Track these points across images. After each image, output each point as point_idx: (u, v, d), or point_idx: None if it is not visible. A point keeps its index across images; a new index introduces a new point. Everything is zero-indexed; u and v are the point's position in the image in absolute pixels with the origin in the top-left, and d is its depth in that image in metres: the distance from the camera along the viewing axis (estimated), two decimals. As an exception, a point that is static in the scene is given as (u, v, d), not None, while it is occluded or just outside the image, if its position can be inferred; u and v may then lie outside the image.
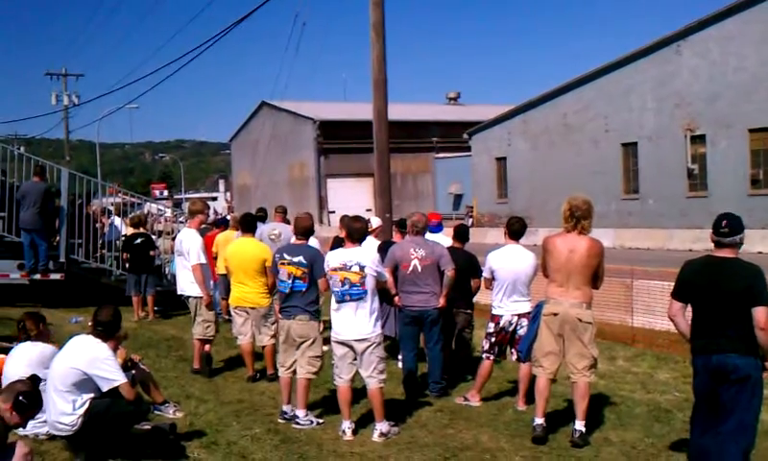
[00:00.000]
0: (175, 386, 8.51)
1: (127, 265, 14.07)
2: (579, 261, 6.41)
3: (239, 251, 8.84)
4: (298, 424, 7.05)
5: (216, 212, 43.85)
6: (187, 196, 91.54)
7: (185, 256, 9.11)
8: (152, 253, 14.09)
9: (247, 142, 63.09)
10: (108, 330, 6.15)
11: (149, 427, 6.39)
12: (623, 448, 6.47)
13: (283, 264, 7.19)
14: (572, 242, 6.47)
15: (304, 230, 7.44)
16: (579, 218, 6.45)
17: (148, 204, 24.57)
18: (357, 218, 7.12)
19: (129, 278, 14.01)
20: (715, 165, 28.64)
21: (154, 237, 16.01)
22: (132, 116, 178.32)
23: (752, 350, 5.04)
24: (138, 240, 14.01)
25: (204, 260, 9.18)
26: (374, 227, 10.35)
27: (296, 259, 7.15)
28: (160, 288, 14.62)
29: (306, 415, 7.12)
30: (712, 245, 5.36)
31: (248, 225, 9.20)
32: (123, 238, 15.52)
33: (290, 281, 7.14)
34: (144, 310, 13.92)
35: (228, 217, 18.71)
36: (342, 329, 6.69)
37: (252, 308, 8.66)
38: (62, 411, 5.83)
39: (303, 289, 7.12)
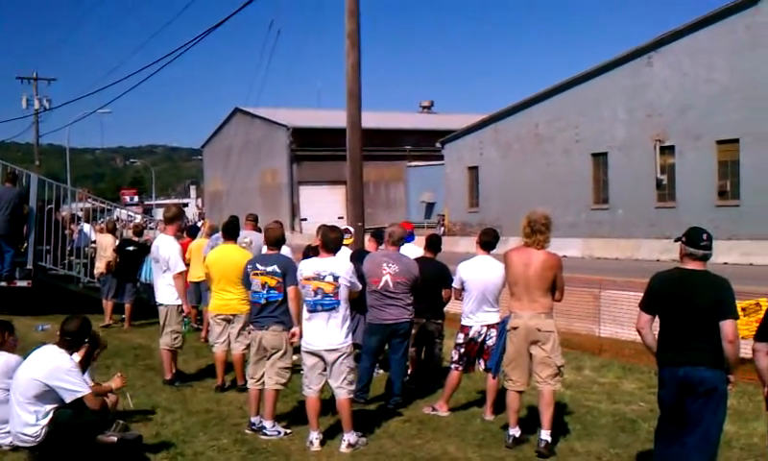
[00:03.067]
0: (142, 396, 8.44)
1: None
2: (534, 274, 6.53)
3: (221, 258, 8.77)
4: (265, 434, 7.03)
5: (187, 219, 43.52)
6: (158, 202, 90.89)
7: (161, 263, 9.04)
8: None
9: (219, 148, 62.81)
10: (74, 341, 6.11)
11: (115, 439, 6.33)
12: (588, 458, 6.55)
13: (256, 274, 7.17)
14: (528, 256, 6.59)
15: (275, 240, 7.43)
16: (537, 232, 6.57)
17: (117, 210, 24.30)
18: (333, 228, 7.11)
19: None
20: (684, 176, 29.03)
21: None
22: (104, 121, 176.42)
23: (719, 362, 5.11)
24: (131, 248, 13.95)
25: (184, 268, 9.14)
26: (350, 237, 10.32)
27: (269, 269, 7.12)
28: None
29: (273, 425, 7.10)
30: (679, 256, 5.40)
31: (230, 232, 9.12)
32: (93, 245, 15.38)
33: (264, 292, 7.12)
34: (112, 317, 13.82)
35: (199, 224, 18.65)
36: (313, 339, 6.69)
37: (234, 315, 8.63)
38: (26, 422, 5.78)
39: (279, 299, 7.09)
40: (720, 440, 5.36)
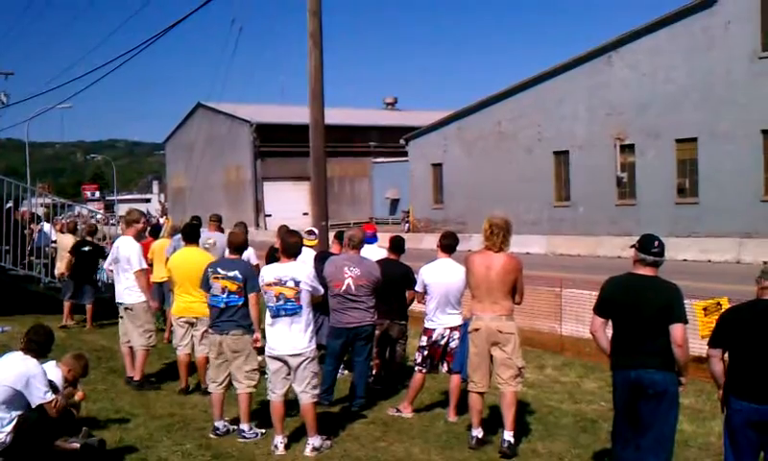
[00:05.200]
0: (104, 400, 8.40)
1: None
2: (496, 277, 6.64)
3: (184, 261, 8.74)
4: (244, 437, 7.05)
5: (150, 216, 43.11)
6: (120, 197, 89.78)
7: (122, 262, 9.02)
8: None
9: (182, 143, 62.24)
10: (40, 350, 6.13)
11: (78, 445, 6.29)
12: (550, 458, 6.67)
13: (217, 278, 7.18)
14: (490, 259, 6.69)
15: (238, 246, 7.46)
16: (497, 236, 6.69)
17: (78, 206, 24.01)
18: (292, 233, 7.16)
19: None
20: (644, 174, 29.45)
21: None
22: (64, 115, 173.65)
23: (669, 365, 5.26)
24: (86, 248, 13.75)
25: (145, 266, 9.12)
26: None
27: (231, 274, 7.15)
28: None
29: (251, 428, 7.13)
30: (632, 262, 5.54)
31: (191, 235, 9.09)
32: (53, 245, 15.19)
33: (224, 296, 7.14)
34: (72, 317, 13.70)
35: (162, 220, 18.49)
36: (276, 344, 6.71)
37: (197, 318, 8.61)
38: (-9, 428, 5.75)
39: (239, 304, 7.13)
40: (674, 441, 5.51)
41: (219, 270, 7.22)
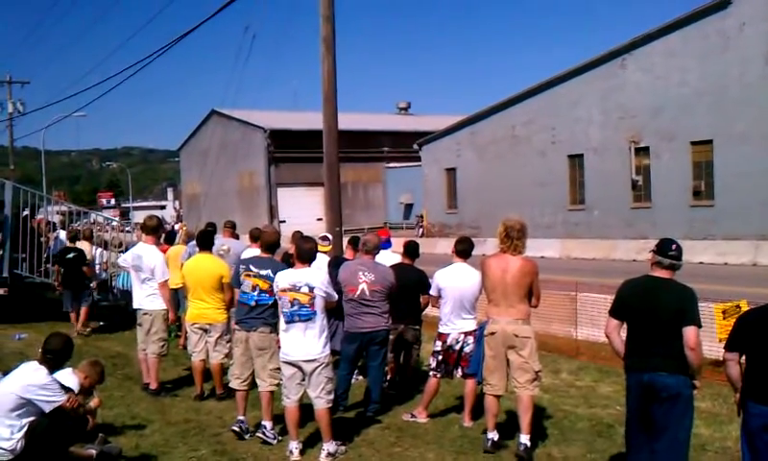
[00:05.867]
0: (120, 406, 8.43)
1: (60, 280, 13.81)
2: (512, 281, 6.62)
3: (197, 267, 8.78)
4: (264, 434, 7.08)
5: (166, 222, 43.37)
6: (135, 204, 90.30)
7: (144, 272, 9.08)
8: (84, 269, 13.78)
9: (196, 150, 62.44)
10: (56, 359, 6.16)
11: (94, 453, 6.32)
12: (565, 463, 6.62)
13: (249, 276, 7.23)
14: (506, 262, 6.67)
15: (270, 245, 7.51)
16: (513, 239, 6.67)
17: (94, 214, 24.15)
18: (307, 239, 7.18)
19: (65, 293, 13.81)
20: (659, 177, 29.31)
21: (100, 250, 15.80)
22: (79, 123, 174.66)
23: (682, 369, 5.22)
24: (71, 255, 13.70)
25: (168, 276, 9.18)
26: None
27: (263, 273, 7.19)
28: (106, 303, 14.42)
29: (272, 427, 7.15)
30: (650, 265, 5.53)
31: (204, 241, 9.13)
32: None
33: (255, 294, 7.20)
34: (87, 324, 13.75)
35: (177, 227, 18.55)
36: (291, 350, 6.72)
37: (210, 325, 8.65)
38: (1, 436, 5.77)
39: (269, 303, 7.17)
40: (689, 445, 5.46)
41: (251, 267, 7.27)
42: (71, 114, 43.91)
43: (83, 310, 13.69)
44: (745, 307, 8.77)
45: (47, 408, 5.89)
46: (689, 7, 27.80)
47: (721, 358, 5.66)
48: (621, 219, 30.21)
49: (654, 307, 5.30)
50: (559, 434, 7.41)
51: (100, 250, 15.90)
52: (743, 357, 5.07)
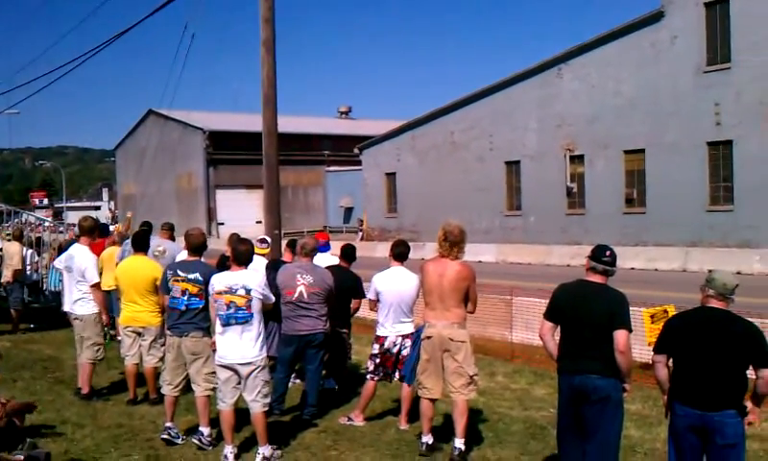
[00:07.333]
0: (50, 410, 8.22)
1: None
2: (449, 285, 6.68)
3: (130, 269, 8.60)
4: (201, 441, 6.98)
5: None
6: (69, 205, 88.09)
7: (76, 274, 8.84)
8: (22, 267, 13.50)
9: (133, 150, 61.37)
10: None
11: (22, 458, 6.15)
12: (500, 465, 6.71)
13: (177, 281, 7.12)
14: (443, 267, 6.74)
15: (197, 247, 7.40)
16: (452, 243, 6.72)
17: (25, 214, 23.52)
18: (243, 241, 7.12)
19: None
20: (593, 184, 29.98)
21: (30, 251, 15.40)
22: (12, 121, 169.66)
23: (613, 371, 5.34)
24: None
25: (98, 279, 8.95)
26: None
27: (191, 276, 7.10)
28: (37, 305, 14.03)
29: (210, 433, 7.05)
30: (585, 270, 5.65)
31: (139, 243, 8.94)
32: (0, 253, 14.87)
33: (185, 298, 7.09)
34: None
35: (112, 228, 18.18)
36: (227, 353, 6.65)
37: (144, 328, 8.50)
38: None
39: (200, 306, 7.08)
40: (620, 446, 5.59)
41: (179, 272, 7.16)
42: (2, 112, 42.63)
43: (12, 312, 13.34)
44: (672, 312, 8.97)
45: None
46: (625, 19, 28.54)
47: (650, 361, 5.82)
48: (556, 225, 30.77)
49: (586, 311, 5.42)
50: (494, 436, 7.50)
51: (31, 251, 15.50)
52: (671, 360, 5.22)
